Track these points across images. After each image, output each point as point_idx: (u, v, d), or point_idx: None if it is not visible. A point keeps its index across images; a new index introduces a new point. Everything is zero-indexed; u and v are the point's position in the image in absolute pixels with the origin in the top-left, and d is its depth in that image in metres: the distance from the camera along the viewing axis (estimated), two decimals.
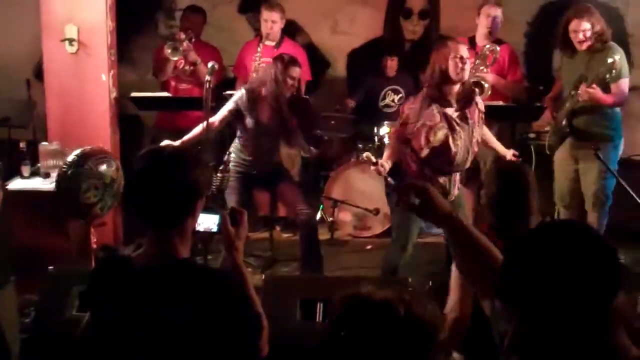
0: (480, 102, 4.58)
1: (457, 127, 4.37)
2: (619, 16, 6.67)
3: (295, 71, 4.81)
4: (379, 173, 4.34)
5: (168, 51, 5.53)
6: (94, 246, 4.50)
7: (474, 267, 2.06)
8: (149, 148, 2.24)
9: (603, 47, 5.13)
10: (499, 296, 1.57)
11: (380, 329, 1.59)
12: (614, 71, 5.03)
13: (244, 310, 2.18)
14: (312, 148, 5.42)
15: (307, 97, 5.37)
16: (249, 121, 4.84)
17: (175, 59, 5.59)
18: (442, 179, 4.49)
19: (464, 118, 4.42)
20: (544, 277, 1.47)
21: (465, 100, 4.43)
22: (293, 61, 4.85)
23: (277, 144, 5.05)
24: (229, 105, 4.86)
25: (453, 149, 4.37)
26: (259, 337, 2.19)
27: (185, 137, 4.71)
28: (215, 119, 4.83)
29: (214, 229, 2.29)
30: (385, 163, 4.36)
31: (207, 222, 2.27)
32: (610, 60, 5.01)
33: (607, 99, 5.09)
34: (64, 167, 4.24)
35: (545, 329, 1.49)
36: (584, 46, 5.16)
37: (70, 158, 4.24)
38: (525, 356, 1.56)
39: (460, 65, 4.28)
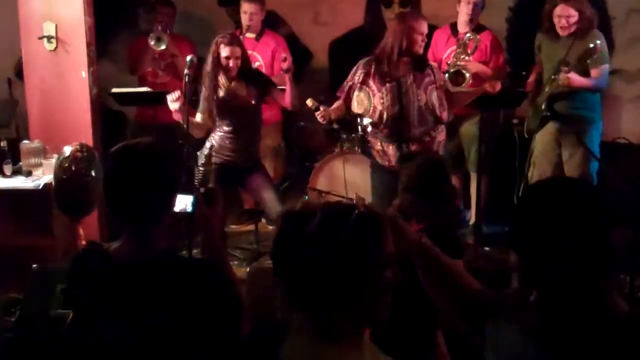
0: (437, 76, 4.74)
1: (384, 90, 4.59)
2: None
3: (227, 50, 4.76)
4: (324, 118, 4.68)
5: (152, 42, 5.58)
6: (83, 242, 4.48)
7: (444, 294, 2.05)
8: (121, 145, 2.21)
9: (586, 33, 5.12)
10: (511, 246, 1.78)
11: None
12: (594, 56, 5.04)
13: (224, 296, 2.18)
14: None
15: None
16: (217, 111, 4.87)
17: (162, 47, 5.62)
18: (391, 150, 4.67)
19: (400, 84, 4.59)
20: (550, 225, 1.70)
21: (416, 67, 4.63)
22: (227, 42, 4.80)
23: (254, 135, 5.04)
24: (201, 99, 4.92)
25: (378, 109, 4.60)
26: (239, 319, 2.21)
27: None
28: (197, 120, 4.92)
29: (189, 209, 2.28)
30: (331, 111, 4.70)
31: (182, 202, 2.26)
32: (591, 45, 5.02)
33: (587, 82, 5.10)
34: (69, 166, 4.24)
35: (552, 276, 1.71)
36: (565, 32, 5.20)
37: (70, 156, 4.24)
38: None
39: (422, 40, 4.58)
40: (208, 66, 4.80)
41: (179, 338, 2.12)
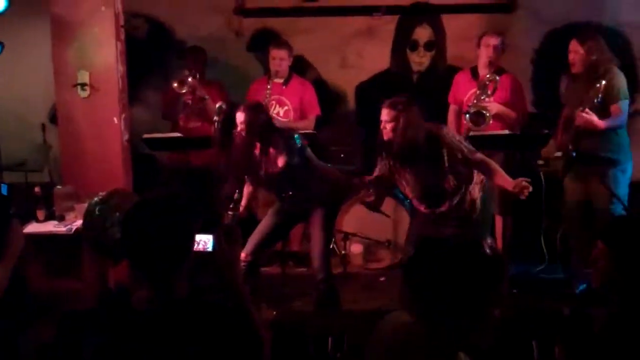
0: (449, 138, 4.61)
1: (400, 169, 4.69)
2: (625, 39, 6.70)
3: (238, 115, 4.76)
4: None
5: (175, 85, 5.70)
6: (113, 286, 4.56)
7: None
8: (140, 198, 2.29)
9: (603, 72, 5.14)
10: None
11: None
12: (600, 95, 5.06)
13: (246, 337, 2.23)
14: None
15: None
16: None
17: (184, 91, 5.73)
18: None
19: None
20: None
21: (405, 156, 4.63)
22: (223, 111, 5.01)
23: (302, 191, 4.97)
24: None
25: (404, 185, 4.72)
26: (261, 357, 2.25)
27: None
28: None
29: (209, 248, 2.34)
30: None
31: (203, 241, 2.33)
32: (597, 85, 5.06)
33: (600, 123, 5.09)
34: (90, 206, 4.31)
35: None
36: (573, 69, 5.26)
37: (97, 198, 4.32)
38: None
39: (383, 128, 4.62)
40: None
41: None
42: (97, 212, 4.22)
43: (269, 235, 4.95)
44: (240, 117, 4.72)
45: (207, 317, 2.20)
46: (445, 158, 4.52)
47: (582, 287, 5.50)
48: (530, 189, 4.52)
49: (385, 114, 4.57)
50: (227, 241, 2.35)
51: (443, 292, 2.02)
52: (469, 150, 4.55)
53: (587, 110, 5.06)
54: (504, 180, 4.58)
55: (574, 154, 5.28)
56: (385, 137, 4.59)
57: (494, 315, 2.05)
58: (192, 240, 2.26)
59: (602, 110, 5.14)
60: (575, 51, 5.22)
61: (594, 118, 5.07)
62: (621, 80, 5.21)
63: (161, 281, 2.22)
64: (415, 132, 4.50)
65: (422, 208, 4.75)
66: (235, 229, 2.43)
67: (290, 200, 4.90)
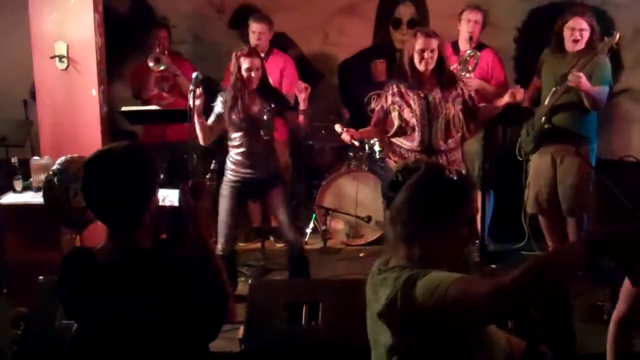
0: (465, 90, 4.76)
1: (412, 103, 4.65)
2: (608, 19, 6.70)
3: (247, 61, 4.78)
4: (349, 140, 4.85)
5: (151, 64, 5.67)
6: None
7: None
8: (96, 151, 2.28)
9: (594, 53, 5.14)
10: None
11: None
12: (597, 73, 5.08)
13: (209, 289, 2.23)
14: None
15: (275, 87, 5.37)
16: (230, 124, 4.86)
17: (162, 68, 5.71)
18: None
19: (427, 97, 4.65)
20: None
21: (444, 83, 4.70)
22: (246, 53, 4.84)
23: (270, 150, 5.01)
24: (215, 112, 4.92)
25: (411, 121, 4.66)
26: (224, 307, 2.26)
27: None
28: (209, 123, 4.93)
29: (176, 202, 2.34)
30: (356, 132, 4.84)
31: (169, 196, 2.32)
32: (597, 62, 5.08)
33: (593, 89, 5.09)
34: (49, 177, 4.30)
35: None
36: (577, 46, 5.19)
37: (54, 167, 4.30)
38: None
39: (420, 58, 4.60)
40: (231, 81, 4.84)
41: (164, 334, 2.18)
42: (56, 182, 4.23)
43: (232, 220, 4.91)
44: (256, 62, 4.83)
45: (170, 268, 2.19)
46: (461, 91, 4.75)
47: None
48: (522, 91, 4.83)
49: (431, 43, 4.62)
50: (193, 195, 2.35)
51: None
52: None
53: (581, 73, 5.05)
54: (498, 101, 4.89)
55: (547, 126, 5.28)
56: (425, 67, 4.64)
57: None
58: (151, 191, 2.26)
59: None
60: (581, 29, 5.18)
61: (588, 83, 5.05)
62: (608, 67, 5.22)
63: (122, 232, 2.23)
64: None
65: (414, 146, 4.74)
66: (201, 183, 2.43)
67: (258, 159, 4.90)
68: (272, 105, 4.90)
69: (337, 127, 4.94)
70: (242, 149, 4.87)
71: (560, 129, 5.24)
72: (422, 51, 4.60)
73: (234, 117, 4.81)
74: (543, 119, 5.26)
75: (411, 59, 4.66)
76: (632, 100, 6.54)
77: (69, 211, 4.27)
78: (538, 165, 5.44)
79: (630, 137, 6.47)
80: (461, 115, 4.74)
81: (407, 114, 4.69)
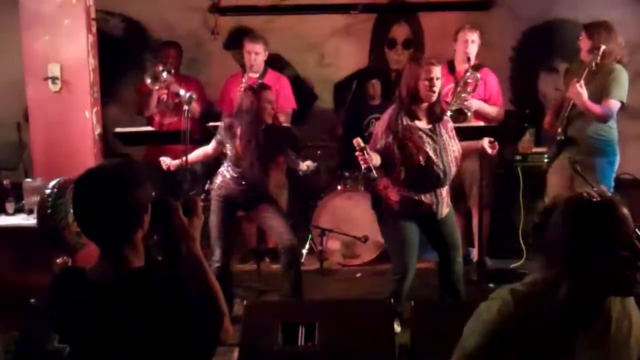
0: (448, 119, 4.58)
1: (427, 138, 4.37)
2: None
3: (268, 94, 4.81)
4: (365, 162, 4.09)
5: (148, 81, 5.64)
6: None
7: None
8: (86, 170, 2.24)
9: (611, 68, 5.15)
10: None
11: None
12: (609, 86, 5.09)
13: (203, 308, 2.18)
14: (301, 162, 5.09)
15: (288, 126, 5.36)
16: (229, 149, 4.86)
17: (157, 87, 5.70)
18: (428, 198, 4.45)
19: (433, 130, 4.42)
20: None
21: (434, 116, 4.44)
22: (263, 86, 4.87)
23: (265, 173, 4.97)
24: (216, 137, 4.92)
25: (432, 156, 4.35)
26: (219, 326, 2.19)
27: (190, 157, 4.88)
28: (208, 148, 4.97)
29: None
30: (373, 154, 4.20)
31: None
32: (609, 77, 5.09)
33: (590, 105, 5.08)
34: (44, 200, 4.24)
35: None
36: (581, 56, 5.27)
37: (48, 191, 4.24)
38: None
39: (429, 86, 4.31)
40: (248, 110, 4.79)
41: (157, 354, 2.12)
42: (51, 207, 4.16)
43: (225, 231, 4.90)
44: (271, 95, 4.83)
45: (162, 287, 2.15)
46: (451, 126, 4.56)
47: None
48: (496, 144, 4.73)
49: (437, 71, 4.34)
50: (185, 212, 2.31)
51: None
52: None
53: (581, 83, 5.05)
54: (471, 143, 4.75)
55: (562, 138, 5.28)
56: (432, 98, 4.35)
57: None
58: (143, 210, 2.21)
59: (594, 101, 5.13)
60: (580, 39, 5.27)
61: (584, 93, 5.05)
62: (624, 81, 5.19)
63: (113, 251, 2.19)
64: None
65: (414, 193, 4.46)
66: (194, 200, 2.39)
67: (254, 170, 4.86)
68: (277, 143, 4.92)
69: (356, 142, 4.17)
70: (236, 172, 4.86)
71: (574, 140, 5.24)
72: (431, 80, 4.31)
73: (237, 145, 4.81)
74: (559, 129, 5.24)
75: (413, 89, 4.34)
76: (628, 118, 6.52)
77: (65, 236, 4.21)
78: (555, 170, 5.45)
79: (627, 154, 6.42)
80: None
81: (432, 152, 4.36)
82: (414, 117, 4.39)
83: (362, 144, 4.10)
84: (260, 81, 4.91)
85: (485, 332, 2.07)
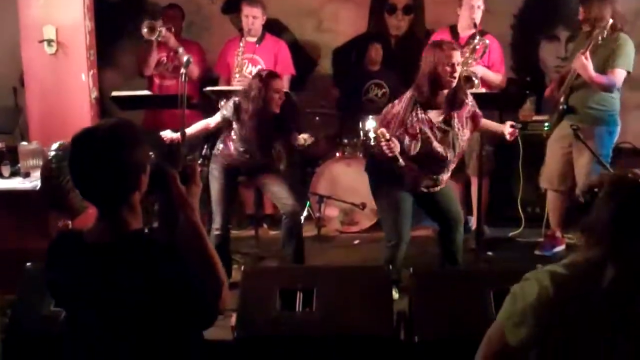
0: (471, 102, 4.49)
1: (439, 133, 4.33)
2: None
3: (277, 83, 4.76)
4: (391, 151, 4.10)
5: (145, 30, 5.57)
6: None
7: None
8: (83, 129, 2.20)
9: (615, 37, 5.09)
10: None
11: None
12: (614, 55, 5.05)
13: (196, 273, 2.13)
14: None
15: (287, 91, 5.28)
16: (235, 128, 4.83)
17: (152, 38, 5.62)
18: (429, 177, 4.46)
19: (447, 122, 4.35)
20: None
21: (456, 104, 4.36)
22: (272, 75, 4.81)
23: (269, 143, 4.97)
24: (222, 113, 4.88)
25: (440, 152, 4.33)
26: (217, 295, 2.14)
27: (190, 130, 4.84)
28: (211, 122, 4.93)
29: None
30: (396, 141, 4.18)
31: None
32: (614, 46, 5.05)
33: (592, 73, 5.04)
34: (49, 162, 4.22)
35: None
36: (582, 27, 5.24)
37: (52, 153, 4.22)
38: None
39: (451, 72, 4.21)
40: (255, 98, 4.72)
41: (155, 319, 2.09)
42: (55, 169, 4.14)
43: (227, 198, 4.90)
44: (280, 83, 4.79)
45: (161, 250, 2.11)
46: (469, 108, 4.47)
47: (556, 250, 5.49)
48: (516, 132, 4.62)
49: (458, 56, 4.26)
50: (183, 181, 2.27)
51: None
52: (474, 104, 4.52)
53: (586, 55, 5.00)
54: (494, 125, 4.70)
55: (564, 107, 5.25)
56: (453, 84, 4.24)
57: None
58: (141, 170, 2.17)
59: (599, 71, 5.09)
60: (580, 11, 5.21)
61: (589, 65, 5.01)
62: (629, 50, 5.14)
63: (110, 212, 2.15)
64: None
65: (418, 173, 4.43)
66: (192, 168, 2.34)
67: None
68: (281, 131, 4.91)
69: (381, 132, 4.14)
70: (241, 147, 4.85)
71: (575, 109, 5.22)
72: (453, 65, 4.19)
73: (244, 130, 4.79)
74: (562, 99, 5.22)
75: (433, 74, 4.21)
76: (629, 88, 6.47)
77: (71, 198, 4.19)
78: (553, 142, 5.44)
79: (627, 123, 6.40)
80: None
81: (437, 145, 4.32)
82: (429, 107, 4.30)
83: (387, 135, 4.09)
84: (268, 70, 4.82)
85: (523, 320, 2.03)
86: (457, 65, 4.23)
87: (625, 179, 2.05)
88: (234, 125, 4.83)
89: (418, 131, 4.26)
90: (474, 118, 4.52)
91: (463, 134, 4.43)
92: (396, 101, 4.40)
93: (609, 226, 2.02)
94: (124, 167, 2.12)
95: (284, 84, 4.81)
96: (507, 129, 4.61)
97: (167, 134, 4.85)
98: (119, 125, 2.19)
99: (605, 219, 2.03)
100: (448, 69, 4.19)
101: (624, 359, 2.01)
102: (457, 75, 4.24)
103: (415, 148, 4.27)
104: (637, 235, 1.99)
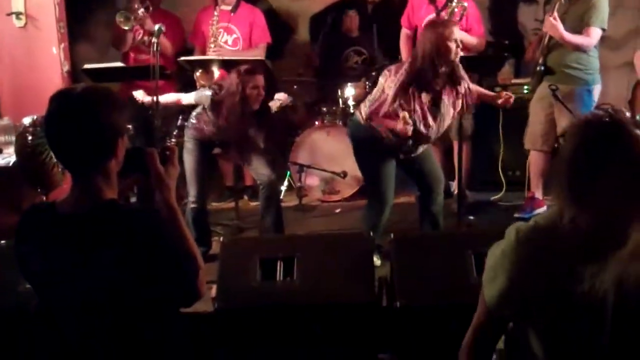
0: (465, 78, 4.49)
1: (429, 113, 4.34)
2: None
3: (256, 79, 4.68)
4: (406, 133, 4.22)
5: (120, 19, 5.46)
6: None
7: None
8: (60, 90, 2.13)
9: None
10: None
11: None
12: (589, 14, 5.00)
13: (174, 249, 2.08)
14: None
15: (262, 59, 5.20)
16: (210, 116, 4.78)
17: (127, 28, 5.51)
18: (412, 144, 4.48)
19: (436, 101, 4.37)
20: None
21: (456, 80, 4.38)
22: (251, 71, 4.72)
23: (245, 133, 4.86)
24: (198, 98, 4.83)
25: (424, 132, 4.37)
26: (194, 277, 2.10)
27: (163, 98, 4.77)
28: (183, 99, 4.89)
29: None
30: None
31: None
32: (588, 4, 5.00)
33: (564, 33, 5.01)
34: (24, 139, 4.12)
35: None
36: None
37: (30, 129, 4.12)
38: None
39: (456, 47, 4.24)
40: (233, 94, 4.67)
41: (128, 289, 2.04)
42: (30, 142, 4.05)
43: (201, 170, 4.84)
44: (260, 80, 4.69)
45: (137, 220, 2.06)
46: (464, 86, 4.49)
47: (536, 212, 5.47)
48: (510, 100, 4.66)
49: (457, 32, 4.33)
50: (161, 161, 2.21)
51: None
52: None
53: (554, 16, 4.98)
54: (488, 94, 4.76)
55: (542, 68, 5.22)
56: (457, 60, 4.29)
57: None
58: (117, 135, 2.10)
59: (575, 31, 5.06)
60: None
61: (559, 25, 4.98)
62: (603, 7, 5.10)
63: (85, 178, 2.09)
64: None
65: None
66: (171, 148, 2.29)
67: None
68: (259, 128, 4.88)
69: (403, 116, 4.22)
70: (215, 133, 4.82)
71: (553, 70, 5.18)
72: (456, 40, 4.24)
73: (220, 121, 4.74)
74: (540, 60, 5.19)
75: (436, 51, 4.22)
76: (609, 49, 6.44)
77: (51, 174, 4.10)
78: (535, 102, 5.41)
79: (607, 85, 6.37)
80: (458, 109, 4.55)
81: (422, 126, 4.37)
82: (424, 88, 4.30)
83: (409, 120, 4.20)
84: (246, 66, 4.72)
85: (495, 274, 1.95)
86: (458, 40, 4.26)
87: (591, 119, 1.88)
88: (209, 113, 4.76)
89: (408, 109, 4.27)
90: (468, 95, 4.53)
91: (449, 113, 4.45)
92: (393, 69, 4.40)
93: (564, 168, 1.88)
94: (100, 127, 2.06)
95: (262, 81, 4.68)
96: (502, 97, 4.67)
97: (139, 95, 4.78)
98: (97, 87, 2.17)
99: (563, 162, 1.89)
100: (452, 45, 4.22)
101: (615, 320, 1.85)
102: (460, 50, 4.28)
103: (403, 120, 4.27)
104: (593, 177, 1.81)
